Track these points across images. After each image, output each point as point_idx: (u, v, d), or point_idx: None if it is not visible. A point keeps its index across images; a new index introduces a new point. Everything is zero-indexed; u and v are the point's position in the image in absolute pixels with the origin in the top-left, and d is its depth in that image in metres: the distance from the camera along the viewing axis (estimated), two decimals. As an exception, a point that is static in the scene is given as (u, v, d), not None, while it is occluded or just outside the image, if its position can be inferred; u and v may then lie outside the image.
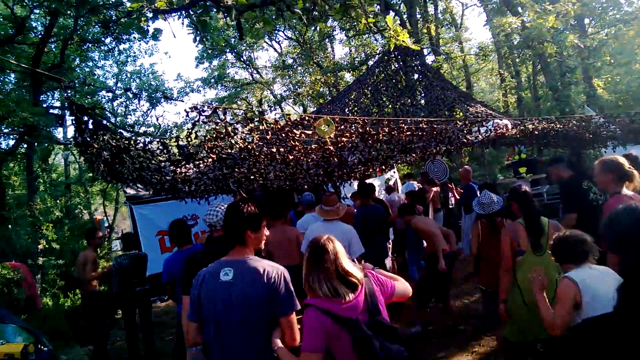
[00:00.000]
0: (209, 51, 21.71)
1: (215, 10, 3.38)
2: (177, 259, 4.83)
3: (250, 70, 25.88)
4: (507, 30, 9.28)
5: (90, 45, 13.14)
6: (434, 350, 5.58)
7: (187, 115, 3.33)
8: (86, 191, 17.98)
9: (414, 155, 5.53)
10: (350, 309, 2.38)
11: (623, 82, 12.43)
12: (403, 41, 4.13)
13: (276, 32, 22.75)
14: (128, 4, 10.85)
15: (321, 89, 21.79)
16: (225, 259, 2.69)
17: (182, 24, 3.58)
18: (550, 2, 8.40)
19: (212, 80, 23.97)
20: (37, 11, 10.98)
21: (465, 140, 5.19)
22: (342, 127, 4.00)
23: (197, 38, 4.22)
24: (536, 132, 5.98)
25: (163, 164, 3.95)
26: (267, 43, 24.84)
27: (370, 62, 18.80)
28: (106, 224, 18.28)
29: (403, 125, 4.41)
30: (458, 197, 9.74)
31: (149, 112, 20.44)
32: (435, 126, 4.73)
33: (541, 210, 4.24)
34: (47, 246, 10.62)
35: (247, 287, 2.52)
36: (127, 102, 19.04)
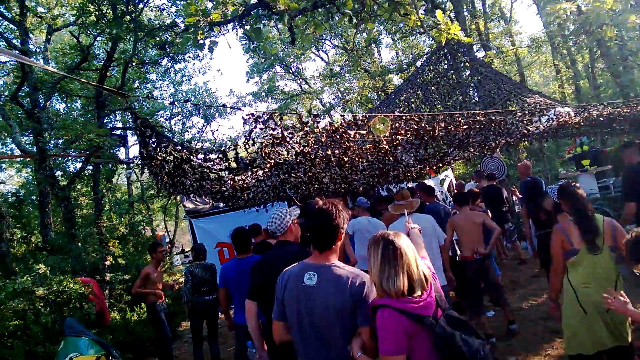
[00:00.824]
0: (261, 62, 22.30)
1: (267, 17, 3.45)
2: (234, 267, 4.94)
3: (298, 82, 26.48)
4: (562, 17, 8.88)
5: (148, 67, 13.81)
6: (506, 353, 5.37)
7: (245, 123, 3.39)
8: (148, 208, 18.76)
9: (472, 150, 5.37)
10: (426, 306, 2.28)
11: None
12: (455, 34, 4.04)
13: (323, 40, 23.06)
14: (182, 25, 11.48)
15: (369, 94, 21.79)
16: (309, 262, 2.67)
17: (237, 34, 3.68)
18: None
19: (263, 94, 24.69)
20: (100, 38, 11.69)
21: (525, 132, 4.99)
22: (397, 124, 3.95)
23: (251, 48, 4.29)
24: (601, 119, 5.66)
25: (222, 173, 4.04)
26: (314, 53, 25.31)
27: (418, 63, 18.60)
28: (167, 239, 18.98)
29: (459, 119, 4.30)
30: (519, 196, 9.31)
31: (204, 128, 21.18)
32: (492, 118, 4.59)
33: (598, 208, 3.98)
34: (113, 262, 11.11)
35: (330, 294, 2.48)
36: (184, 120, 19.81)
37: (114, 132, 12.86)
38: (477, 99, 6.98)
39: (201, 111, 19.33)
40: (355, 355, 2.39)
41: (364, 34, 21.97)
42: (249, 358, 3.26)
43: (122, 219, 13.11)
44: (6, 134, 14.11)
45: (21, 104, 10.22)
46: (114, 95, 11.60)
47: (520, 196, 8.92)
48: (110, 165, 12.99)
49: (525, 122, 4.89)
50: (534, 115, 4.91)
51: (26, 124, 11.61)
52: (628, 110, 5.67)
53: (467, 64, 7.10)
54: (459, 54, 7.45)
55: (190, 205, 11.36)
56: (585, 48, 16.55)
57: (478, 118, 4.46)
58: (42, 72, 11.27)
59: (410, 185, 9.18)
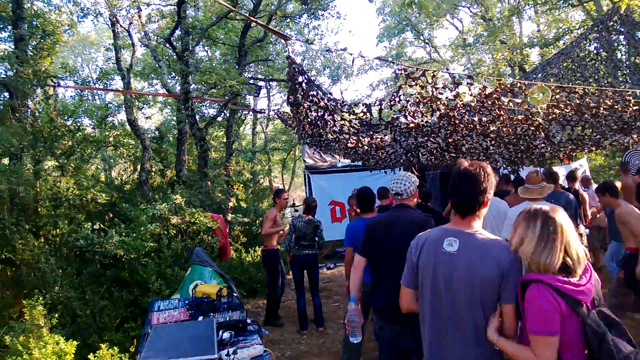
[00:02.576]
0: (391, 27, 21.73)
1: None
2: (360, 226, 4.97)
3: (428, 49, 25.56)
4: None
5: (289, 20, 14.16)
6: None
7: (396, 77, 3.32)
8: (268, 159, 19.69)
9: (634, 137, 4.78)
10: (585, 292, 2.07)
11: None
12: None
13: (459, 8, 21.91)
14: None
15: (502, 69, 20.41)
16: (450, 227, 2.49)
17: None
18: None
19: (390, 58, 24.24)
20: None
21: None
22: (557, 96, 3.61)
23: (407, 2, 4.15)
24: None
25: (362, 128, 4.04)
26: (448, 21, 24.18)
27: (565, 39, 16.93)
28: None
29: (629, 97, 3.82)
30: None
31: (329, 88, 21.45)
32: (670, 102, 4.01)
33: None
34: (236, 204, 11.87)
35: (474, 262, 2.29)
36: (314, 77, 20.23)
37: (250, 82, 13.50)
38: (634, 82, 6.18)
39: (327, 70, 19.57)
40: (492, 338, 2.22)
41: (505, 3, 20.42)
42: (350, 311, 3.25)
43: (246, 166, 13.89)
44: (154, 74, 15.43)
45: (174, 46, 11.04)
46: (254, 46, 12.18)
47: None
48: (241, 114, 13.71)
49: None
50: None
51: (174, 66, 12.56)
52: None
53: (638, 41, 6.25)
54: (623, 30, 6.60)
55: (310, 161, 11.72)
56: None
57: (652, 100, 3.92)
58: (193, 19, 12.08)
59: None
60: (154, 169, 13.14)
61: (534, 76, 7.55)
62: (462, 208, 2.42)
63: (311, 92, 3.62)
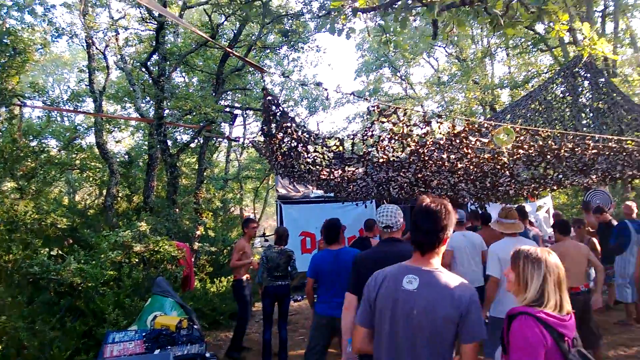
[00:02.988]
0: (369, 63, 22.22)
1: (417, 7, 3.41)
2: (327, 257, 4.97)
3: (404, 86, 26.30)
4: None
5: (268, 51, 14.37)
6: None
7: (369, 113, 3.39)
8: (240, 188, 19.55)
9: (593, 177, 4.99)
10: (569, 327, 2.15)
11: None
12: (602, 50, 3.76)
13: (435, 47, 22.74)
14: (306, 14, 11.86)
15: (474, 108, 21.14)
16: (409, 264, 2.46)
17: (375, 22, 3.68)
18: None
19: (367, 93, 24.84)
20: (229, 19, 12.34)
21: (659, 167, 4.56)
22: (522, 137, 3.76)
23: (384, 40, 4.28)
24: None
25: (334, 161, 4.09)
26: (424, 59, 25.08)
27: (534, 81, 17.70)
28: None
29: (589, 142, 4.01)
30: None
31: (306, 119, 21.70)
32: (625, 146, 4.23)
33: None
34: (204, 233, 11.69)
35: (433, 301, 2.27)
36: (290, 109, 20.44)
37: (226, 109, 13.53)
38: (603, 126, 6.48)
39: (305, 102, 19.83)
40: None
41: (479, 45, 21.31)
42: (347, 354, 3.19)
43: (217, 194, 13.76)
44: (128, 98, 15.31)
45: (150, 71, 11.01)
46: (231, 75, 12.26)
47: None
48: (215, 141, 13.67)
49: (662, 156, 4.46)
50: (674, 150, 4.45)
51: (149, 91, 12.50)
52: None
53: (600, 87, 6.58)
54: (588, 76, 6.96)
55: (282, 191, 11.69)
56: None
57: (610, 144, 4.13)
58: (171, 45, 12.12)
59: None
60: (120, 194, 12.90)
61: (504, 116, 7.82)
62: (423, 245, 2.40)
63: (285, 124, 3.66)
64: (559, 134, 3.98)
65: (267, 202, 22.24)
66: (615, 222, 8.05)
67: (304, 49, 13.44)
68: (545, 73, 18.19)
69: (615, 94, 6.63)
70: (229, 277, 10.26)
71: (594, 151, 4.07)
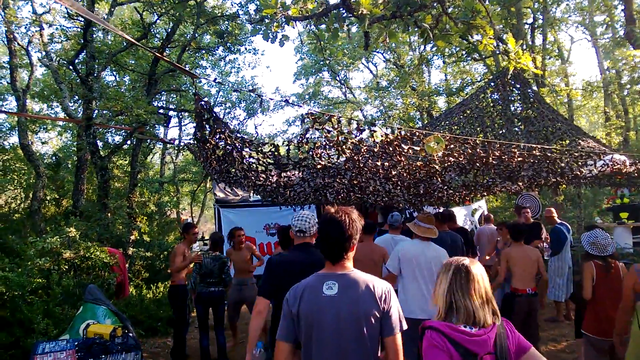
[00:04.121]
0: (308, 66, 22.32)
1: (347, 19, 3.45)
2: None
3: (344, 90, 26.57)
4: (631, 63, 8.66)
5: (203, 53, 14.03)
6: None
7: (303, 121, 3.39)
8: (177, 191, 19.01)
9: (520, 184, 5.25)
10: (480, 343, 2.13)
11: None
12: (525, 64, 3.96)
13: (374, 53, 23.18)
14: (243, 17, 11.71)
15: (412, 113, 21.75)
16: (325, 272, 2.55)
17: (310, 30, 3.69)
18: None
19: (307, 97, 24.88)
20: (161, 18, 11.95)
21: (578, 173, 4.86)
22: (451, 146, 3.89)
23: (317, 48, 4.30)
24: (657, 173, 5.48)
25: (270, 166, 4.05)
26: (363, 64, 25.45)
27: (467, 89, 18.45)
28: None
29: (515, 150, 4.21)
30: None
31: (245, 121, 21.39)
32: (548, 155, 4.48)
33: (628, 263, 4.06)
34: (138, 238, 11.27)
35: (354, 301, 2.38)
36: (228, 110, 20.06)
37: (159, 111, 13.09)
38: (528, 133, 6.84)
39: (243, 104, 19.53)
40: None
41: (416, 52, 21.96)
42: (254, 357, 3.12)
43: (152, 197, 13.31)
44: (54, 97, 14.49)
45: (77, 70, 10.46)
46: (165, 75, 11.86)
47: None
48: (149, 143, 13.21)
49: (580, 163, 4.77)
50: (589, 158, 4.77)
51: (77, 90, 11.89)
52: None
53: (529, 97, 6.95)
54: (511, 86, 7.33)
55: (220, 195, 11.47)
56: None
57: (534, 152, 4.36)
58: (101, 42, 11.58)
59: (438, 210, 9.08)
60: (48, 198, 12.19)
61: (438, 123, 8.07)
62: (331, 254, 2.52)
63: (218, 129, 3.58)
64: (486, 142, 4.15)
65: (205, 205, 21.77)
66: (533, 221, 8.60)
67: (240, 51, 13.27)
68: (479, 81, 19.04)
69: (540, 105, 7.02)
70: (166, 283, 9.97)
71: (519, 159, 4.28)
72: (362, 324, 2.36)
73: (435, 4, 3.54)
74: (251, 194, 11.24)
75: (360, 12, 3.21)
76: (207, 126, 3.59)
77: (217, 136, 3.67)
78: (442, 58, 21.30)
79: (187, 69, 3.65)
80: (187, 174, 19.34)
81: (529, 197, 11.59)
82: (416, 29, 3.63)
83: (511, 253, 5.63)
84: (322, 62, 22.77)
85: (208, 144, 3.66)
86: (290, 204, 5.39)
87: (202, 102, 3.38)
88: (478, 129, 6.51)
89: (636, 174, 5.57)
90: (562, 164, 4.57)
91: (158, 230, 13.18)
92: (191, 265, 6.95)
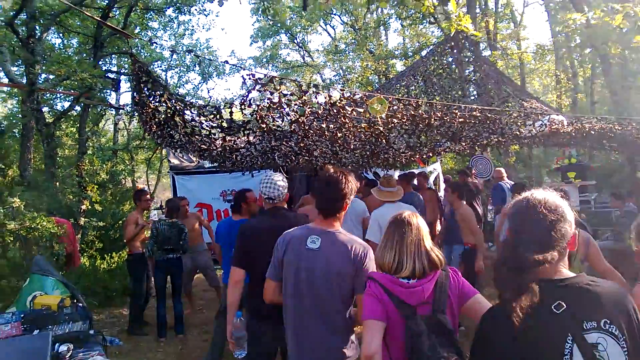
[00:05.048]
0: (268, 27, 21.83)
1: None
2: (223, 226, 5.06)
3: (302, 53, 26.19)
4: (571, 27, 8.89)
5: (152, 13, 13.41)
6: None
7: (244, 83, 3.34)
8: (131, 159, 18.47)
9: (464, 144, 5.39)
10: (413, 294, 2.21)
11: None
12: (465, 27, 4.01)
13: (332, 15, 22.81)
14: None
15: (370, 77, 21.69)
16: (313, 226, 2.74)
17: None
18: (619, 1, 8.01)
19: (264, 60, 24.36)
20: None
21: (518, 133, 5.03)
22: (395, 107, 3.93)
23: (260, 8, 4.20)
24: (592, 132, 5.73)
25: (214, 130, 4.00)
26: (321, 27, 25.04)
27: (424, 52, 18.52)
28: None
29: (456, 111, 4.31)
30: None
31: (200, 85, 20.82)
32: (488, 115, 4.60)
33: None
34: (89, 207, 10.98)
35: (332, 258, 2.56)
36: (181, 74, 19.43)
37: (108, 75, 12.53)
38: (476, 96, 6.99)
39: (198, 67, 18.92)
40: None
41: (374, 15, 21.77)
42: (235, 326, 3.10)
43: (104, 165, 12.93)
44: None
45: (17, 32, 9.85)
46: (112, 37, 11.31)
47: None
48: (100, 109, 12.71)
49: (519, 124, 4.93)
50: (528, 118, 4.94)
51: (19, 53, 11.21)
52: (619, 128, 5.74)
53: (471, 59, 7.07)
54: (465, 49, 7.42)
55: (175, 161, 11.25)
56: (589, 62, 16.68)
57: (474, 113, 4.47)
58: (43, 2, 10.89)
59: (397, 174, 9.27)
60: (-7, 168, 11.63)
61: (391, 86, 8.12)
62: (325, 210, 2.72)
63: (157, 92, 3.50)
64: (429, 104, 4.22)
65: (162, 173, 21.25)
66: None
67: (190, 11, 12.77)
68: (435, 44, 19.14)
69: (487, 66, 7.15)
70: (121, 253, 9.83)
71: (460, 120, 4.38)
72: (334, 280, 2.55)
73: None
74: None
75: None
76: (145, 89, 3.49)
77: (157, 99, 3.58)
78: (399, 21, 21.23)
79: (137, 30, 3.51)
80: (141, 141, 18.75)
81: (482, 158, 11.94)
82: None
83: (460, 211, 5.87)
84: (279, 25, 22.23)
85: (146, 108, 3.57)
86: (238, 169, 5.35)
87: (139, 64, 3.27)
88: (424, 92, 6.59)
89: (574, 134, 5.81)
90: (502, 125, 4.72)
91: (111, 199, 12.86)
92: (147, 233, 6.88)
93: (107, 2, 10.75)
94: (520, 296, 1.51)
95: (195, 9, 12.77)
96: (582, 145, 8.20)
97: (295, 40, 25.02)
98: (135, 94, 3.54)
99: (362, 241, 2.70)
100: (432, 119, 4.15)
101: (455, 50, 7.29)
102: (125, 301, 8.15)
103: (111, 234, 10.76)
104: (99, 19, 3.70)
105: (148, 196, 7.22)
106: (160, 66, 18.95)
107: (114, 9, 11.63)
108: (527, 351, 1.51)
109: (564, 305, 1.51)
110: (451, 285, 2.32)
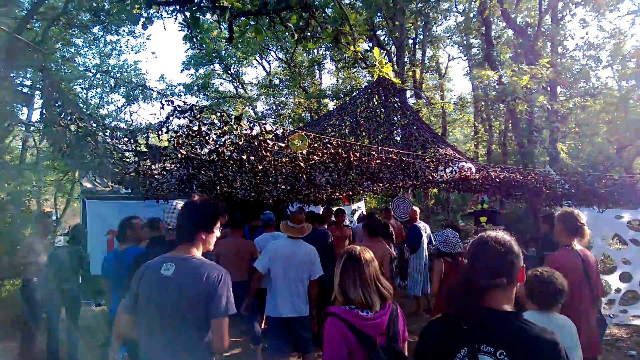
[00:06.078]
0: (199, 56, 21.54)
1: (210, 10, 3.37)
2: (114, 257, 4.84)
3: (235, 84, 25.91)
4: (485, 82, 9.67)
5: (76, 30, 12.83)
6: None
7: (162, 108, 3.26)
8: (39, 179, 17.17)
9: (381, 185, 5.58)
10: (374, 326, 2.35)
11: (585, 152, 13.07)
12: (386, 73, 4.22)
13: (268, 50, 23.00)
14: None
15: (303, 114, 22.01)
16: (170, 254, 2.68)
17: (175, 19, 3.56)
18: (527, 63, 8.85)
19: (195, 88, 23.84)
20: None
21: (430, 178, 5.30)
22: (316, 145, 4.01)
23: (188, 36, 4.16)
24: (497, 180, 6.16)
25: (128, 154, 3.85)
26: (257, 61, 25.15)
27: (355, 94, 19.19)
28: (53, 217, 17.46)
29: (374, 153, 4.46)
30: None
31: (123, 107, 19.97)
32: (404, 159, 4.81)
33: None
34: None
35: (185, 284, 2.51)
36: (104, 94, 18.58)
37: (18, 88, 11.69)
38: (399, 139, 7.29)
39: (123, 89, 18.23)
40: None
41: (309, 55, 22.33)
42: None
43: (6, 185, 11.94)
44: None
45: None
46: (28, 50, 10.64)
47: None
48: (7, 124, 11.74)
49: (431, 168, 5.21)
50: (440, 164, 5.23)
51: None
52: (521, 178, 6.23)
53: (397, 104, 7.41)
54: (391, 94, 7.77)
55: (88, 185, 10.62)
56: (501, 117, 18.09)
57: (390, 156, 4.66)
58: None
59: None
60: None
61: (318, 124, 8.26)
62: (181, 234, 2.74)
63: (69, 111, 3.32)
64: (348, 144, 4.34)
65: (72, 196, 19.91)
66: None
67: (118, 31, 12.40)
68: (363, 88, 19.94)
69: (409, 112, 7.53)
70: (14, 280, 9.04)
71: (377, 161, 4.54)
72: (187, 305, 2.48)
73: (300, 6, 3.62)
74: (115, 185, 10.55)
75: (221, 4, 3.18)
76: (57, 104, 3.31)
77: (68, 118, 3.40)
78: (332, 62, 21.94)
79: (58, 45, 3.33)
80: (52, 161, 17.47)
81: (402, 200, 12.40)
82: (283, 28, 3.68)
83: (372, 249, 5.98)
84: (214, 54, 22.03)
85: (56, 126, 3.37)
86: (153, 197, 5.15)
87: (49, 79, 3.11)
88: (351, 132, 6.79)
89: (482, 181, 6.21)
90: (416, 168, 4.95)
91: (11, 222, 11.81)
92: (44, 260, 6.37)
93: (25, 13, 10.17)
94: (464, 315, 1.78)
95: (124, 29, 12.43)
96: (492, 192, 8.77)
97: (229, 71, 24.85)
98: (44, 110, 3.34)
99: (218, 266, 2.66)
100: (352, 159, 4.26)
101: (383, 95, 7.60)
102: (14, 333, 7.42)
103: (6, 260, 9.83)
104: (8, 30, 3.48)
105: (49, 220, 6.79)
106: (82, 85, 18.08)
107: (34, 20, 11.03)
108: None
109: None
110: (400, 319, 2.52)
